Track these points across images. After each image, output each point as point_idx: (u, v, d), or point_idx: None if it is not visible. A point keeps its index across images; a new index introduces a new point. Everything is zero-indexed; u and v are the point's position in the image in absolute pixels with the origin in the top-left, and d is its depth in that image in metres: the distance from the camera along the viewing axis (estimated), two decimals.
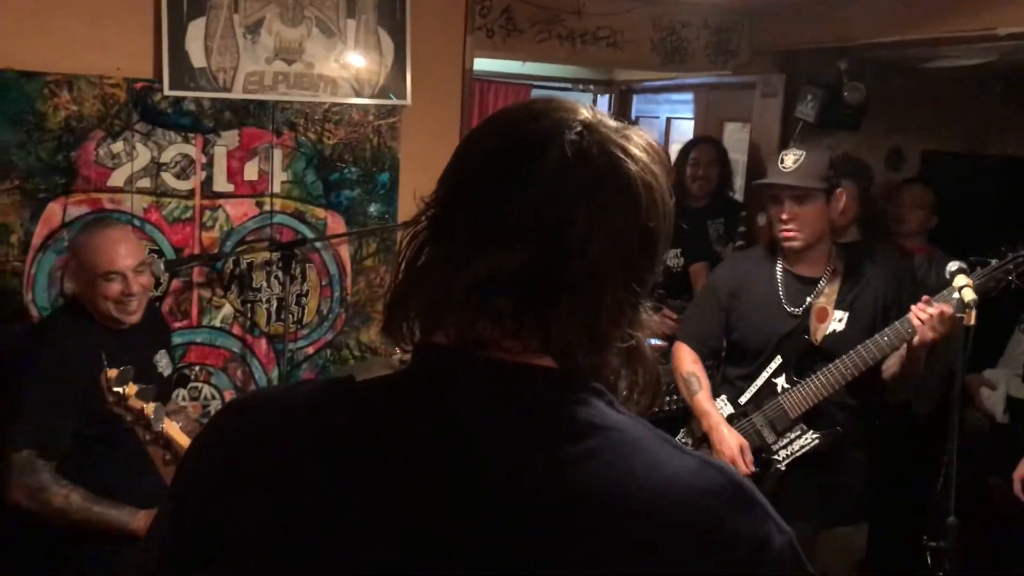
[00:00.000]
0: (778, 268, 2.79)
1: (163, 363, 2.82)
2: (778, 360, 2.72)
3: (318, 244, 3.45)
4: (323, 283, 3.50)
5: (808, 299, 2.72)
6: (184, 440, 1.68)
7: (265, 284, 3.41)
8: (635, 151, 0.83)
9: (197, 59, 3.18)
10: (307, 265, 3.46)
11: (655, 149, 0.85)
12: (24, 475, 2.39)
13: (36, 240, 3.07)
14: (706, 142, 4.56)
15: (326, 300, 3.51)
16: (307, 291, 3.48)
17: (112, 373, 1.93)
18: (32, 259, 3.07)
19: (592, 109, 0.85)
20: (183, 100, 3.19)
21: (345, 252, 3.52)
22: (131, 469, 2.56)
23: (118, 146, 3.14)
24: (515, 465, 0.77)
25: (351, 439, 0.81)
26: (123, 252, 2.54)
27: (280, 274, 3.34)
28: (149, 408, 1.85)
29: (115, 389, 1.89)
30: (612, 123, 0.85)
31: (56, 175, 3.07)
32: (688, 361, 2.89)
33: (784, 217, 2.67)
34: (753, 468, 2.67)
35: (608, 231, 0.79)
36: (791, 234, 2.68)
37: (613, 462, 0.77)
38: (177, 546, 0.86)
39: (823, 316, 2.70)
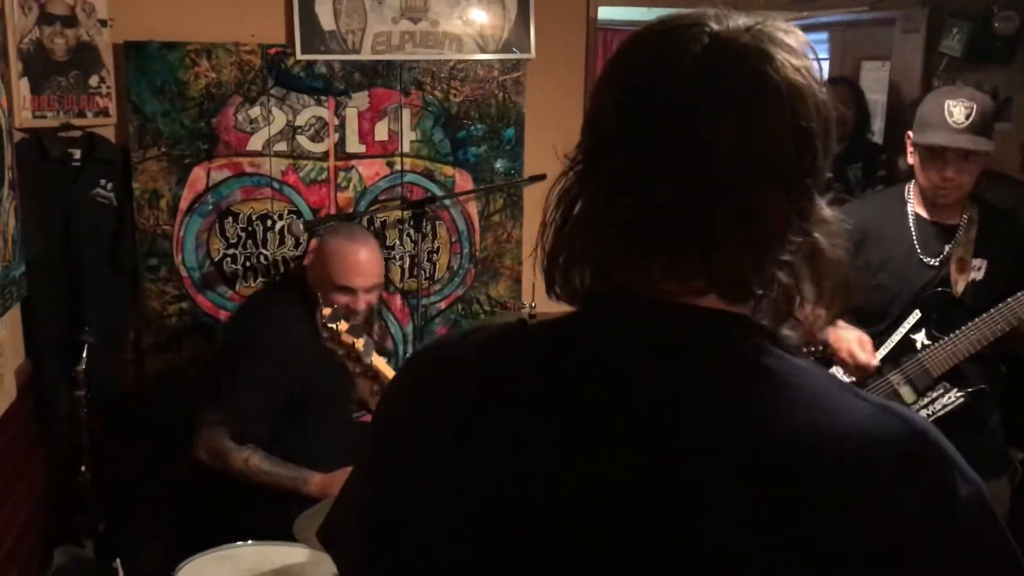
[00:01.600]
0: (910, 214, 2.58)
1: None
2: (916, 315, 2.55)
3: (447, 201, 3.50)
4: (452, 240, 3.55)
5: (947, 248, 2.53)
6: (390, 373, 1.76)
7: (398, 242, 3.48)
8: (772, 49, 0.77)
9: (327, 22, 3.25)
10: (437, 222, 3.51)
11: (797, 40, 0.79)
12: (211, 438, 2.57)
13: (183, 204, 3.23)
14: (837, 82, 4.37)
15: (456, 256, 3.57)
16: (438, 248, 3.54)
17: (327, 311, 2.02)
18: (180, 222, 3.23)
19: (719, 10, 0.79)
20: (315, 63, 3.27)
21: (473, 209, 3.56)
22: (315, 449, 2.69)
23: (255, 111, 3.25)
24: (686, 414, 0.74)
25: (523, 388, 0.81)
26: (364, 272, 2.63)
27: (412, 232, 3.41)
28: (359, 343, 1.93)
29: (329, 325, 1.98)
30: (743, 21, 0.78)
31: (199, 141, 3.21)
32: None
33: (949, 175, 2.44)
34: (875, 361, 2.54)
35: (755, 140, 0.74)
36: (950, 192, 2.47)
37: (789, 409, 0.74)
38: (373, 499, 0.89)
39: (963, 267, 2.52)
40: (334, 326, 1.98)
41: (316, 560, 2.24)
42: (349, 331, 1.92)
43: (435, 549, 0.81)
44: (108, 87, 3.09)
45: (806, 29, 5.40)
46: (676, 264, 0.77)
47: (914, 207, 2.59)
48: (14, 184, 2.67)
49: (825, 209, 0.80)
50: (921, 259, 2.56)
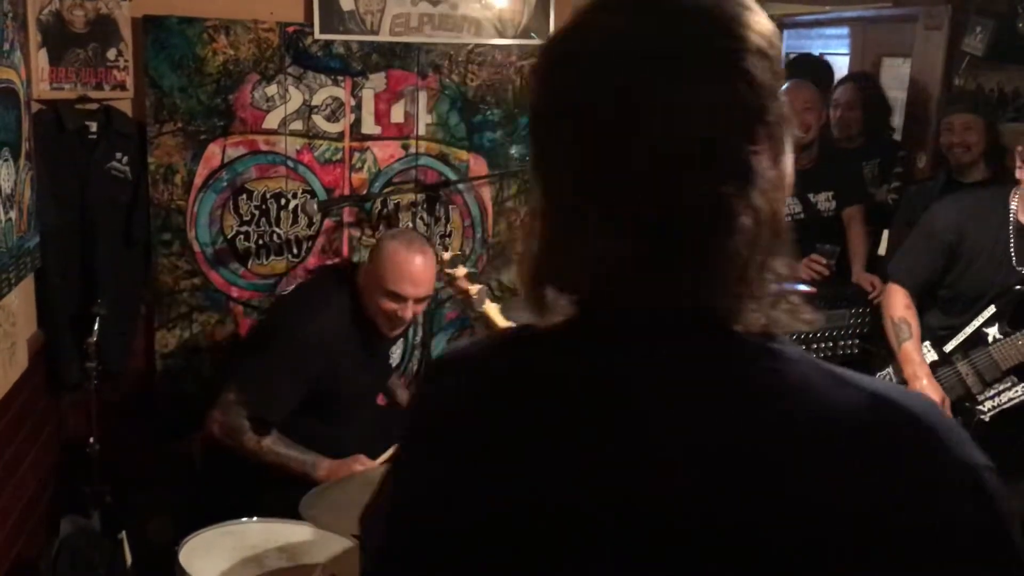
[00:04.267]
0: (1011, 217, 2.62)
1: (395, 354, 2.98)
2: (991, 309, 2.62)
3: (461, 186, 3.49)
4: (465, 224, 3.55)
5: None
6: (501, 321, 1.77)
7: (411, 225, 3.48)
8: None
9: (346, 2, 3.24)
10: (450, 207, 3.51)
11: None
12: (227, 415, 2.56)
13: (198, 180, 3.23)
14: (847, 81, 4.34)
15: (468, 241, 3.56)
16: (450, 232, 3.54)
17: (446, 256, 2.01)
18: (194, 198, 3.24)
19: None
20: (333, 43, 3.27)
21: (487, 194, 3.55)
22: (334, 443, 2.70)
23: (272, 89, 3.25)
24: (690, 418, 0.74)
25: (527, 400, 0.82)
26: (417, 281, 2.55)
27: (425, 215, 3.41)
28: (474, 289, 1.93)
29: (447, 271, 1.98)
30: None
31: (215, 117, 3.21)
32: (901, 306, 2.79)
33: None
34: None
35: (686, 116, 0.71)
36: None
37: (800, 400, 0.74)
38: (399, 503, 0.90)
39: None
40: (452, 271, 1.97)
41: (321, 539, 2.25)
42: (466, 276, 1.92)
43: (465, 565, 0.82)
44: (126, 61, 3.10)
45: (827, 24, 5.37)
46: (654, 269, 0.76)
47: (1016, 215, 2.63)
48: (31, 155, 2.68)
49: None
50: (1014, 266, 2.61)
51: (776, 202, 0.76)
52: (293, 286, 3.16)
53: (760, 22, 0.75)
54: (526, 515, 0.78)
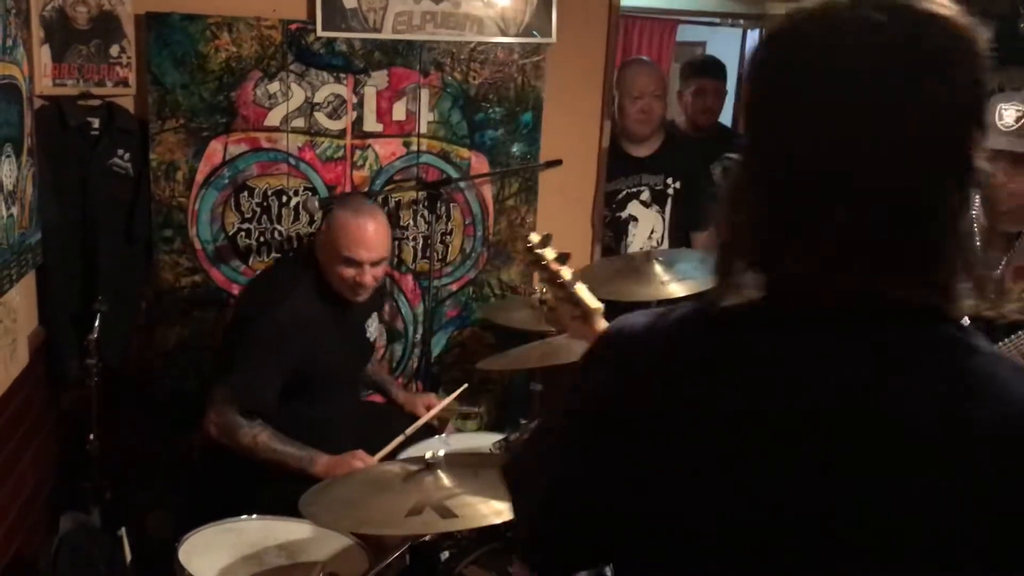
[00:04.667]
0: None
1: (372, 327, 2.99)
2: None
3: (462, 184, 3.49)
4: (466, 222, 3.55)
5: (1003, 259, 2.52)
6: (592, 302, 1.77)
7: (412, 222, 3.48)
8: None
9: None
10: (451, 204, 3.51)
11: None
12: (221, 413, 2.59)
13: (199, 177, 3.23)
14: None
15: (469, 239, 3.56)
16: (451, 230, 3.54)
17: (534, 237, 2.00)
18: (196, 195, 3.24)
19: None
20: (335, 41, 3.27)
21: (488, 192, 3.55)
22: (324, 426, 2.72)
23: (274, 86, 3.25)
24: (922, 416, 0.76)
25: (719, 372, 0.84)
26: (369, 245, 2.64)
27: (426, 213, 3.41)
28: (567, 272, 1.93)
29: (536, 251, 1.97)
30: None
31: (217, 114, 3.21)
32: None
33: (1000, 180, 2.36)
34: None
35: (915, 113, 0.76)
36: (1007, 198, 2.40)
37: (1008, 399, 0.76)
38: (575, 472, 0.93)
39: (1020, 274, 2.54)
40: (541, 252, 1.96)
41: (320, 536, 2.26)
42: (556, 259, 1.91)
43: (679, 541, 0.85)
44: (128, 57, 3.09)
45: None
46: (874, 261, 0.78)
47: None
48: (33, 151, 2.68)
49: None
50: None
51: (986, 198, 0.81)
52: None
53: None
54: (753, 511, 0.80)
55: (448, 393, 3.09)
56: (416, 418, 2.85)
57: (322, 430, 2.66)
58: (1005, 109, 2.41)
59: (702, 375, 0.85)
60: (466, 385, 3.11)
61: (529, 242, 1.97)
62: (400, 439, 2.72)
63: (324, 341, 2.70)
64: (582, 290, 1.79)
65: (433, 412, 2.92)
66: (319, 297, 2.71)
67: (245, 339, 2.64)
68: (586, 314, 1.72)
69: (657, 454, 0.86)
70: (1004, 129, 2.39)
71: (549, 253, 1.91)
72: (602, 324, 1.58)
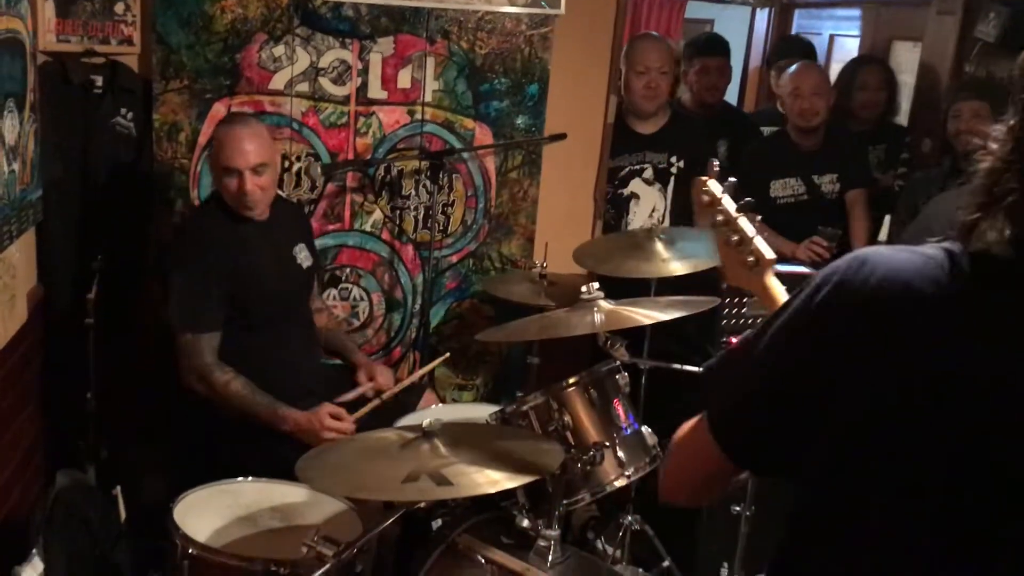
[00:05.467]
0: None
1: (302, 255, 2.95)
2: None
3: (465, 155, 3.48)
4: (468, 194, 3.54)
5: None
6: (768, 253, 1.76)
7: (414, 192, 3.47)
8: None
9: None
10: (454, 175, 3.49)
11: None
12: (190, 357, 2.61)
13: (202, 139, 3.21)
14: (873, 63, 4.32)
15: (470, 211, 3.55)
16: (453, 201, 3.52)
17: (708, 180, 1.97)
18: (198, 157, 3.23)
19: None
20: (342, 5, 3.24)
21: (491, 164, 3.54)
22: (283, 358, 2.73)
23: (279, 50, 3.22)
24: None
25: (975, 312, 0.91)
26: (244, 150, 2.65)
27: (428, 183, 3.40)
28: (743, 221, 1.91)
29: (704, 188, 1.94)
30: None
31: (221, 76, 3.19)
32: None
33: None
34: None
35: None
36: None
37: None
38: (787, 385, 1.00)
39: None
40: (711, 190, 1.94)
41: (315, 500, 2.27)
42: (739, 208, 1.90)
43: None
44: (133, 15, 3.07)
45: (839, 5, 5.32)
46: None
47: None
48: (35, 107, 2.67)
49: None
50: None
51: None
52: None
53: None
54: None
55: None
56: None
57: (270, 365, 2.69)
58: None
59: (960, 332, 0.91)
60: (448, 355, 3.13)
61: (700, 183, 1.92)
62: (376, 403, 2.73)
63: (245, 257, 2.73)
64: (759, 242, 1.79)
65: (417, 375, 2.99)
66: (225, 216, 2.75)
67: (172, 271, 2.73)
68: (761, 264, 1.71)
69: (894, 388, 0.92)
70: None
71: (728, 203, 1.89)
72: (772, 277, 1.58)
